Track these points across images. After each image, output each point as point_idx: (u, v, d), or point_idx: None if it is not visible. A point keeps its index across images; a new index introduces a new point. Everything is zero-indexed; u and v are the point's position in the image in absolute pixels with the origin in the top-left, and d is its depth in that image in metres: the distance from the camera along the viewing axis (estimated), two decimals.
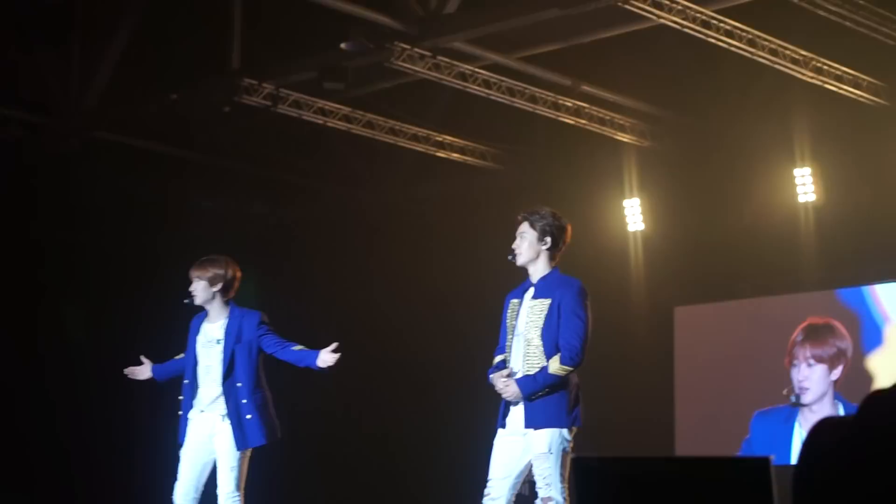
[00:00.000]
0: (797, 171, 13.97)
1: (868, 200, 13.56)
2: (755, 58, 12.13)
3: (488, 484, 7.21)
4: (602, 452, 3.81)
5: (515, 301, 7.31)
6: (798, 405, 13.91)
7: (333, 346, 7.70)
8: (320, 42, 12.71)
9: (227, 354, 7.84)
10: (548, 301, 7.11)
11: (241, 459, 7.73)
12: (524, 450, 7.12)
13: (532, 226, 7.25)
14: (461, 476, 8.88)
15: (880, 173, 13.52)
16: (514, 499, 7.23)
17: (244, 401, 7.75)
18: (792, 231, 14.02)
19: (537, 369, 7.05)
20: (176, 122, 14.33)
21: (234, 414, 7.73)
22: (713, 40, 11.77)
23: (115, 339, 15.69)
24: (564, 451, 7.03)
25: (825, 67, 12.67)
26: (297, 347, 7.83)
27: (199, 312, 8.15)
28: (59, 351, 15.44)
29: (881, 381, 13.50)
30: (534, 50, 12.94)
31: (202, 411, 7.85)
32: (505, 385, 7.07)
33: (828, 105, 13.33)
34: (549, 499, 7.00)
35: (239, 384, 7.76)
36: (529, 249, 7.25)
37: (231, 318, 7.93)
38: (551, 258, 7.26)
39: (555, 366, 6.97)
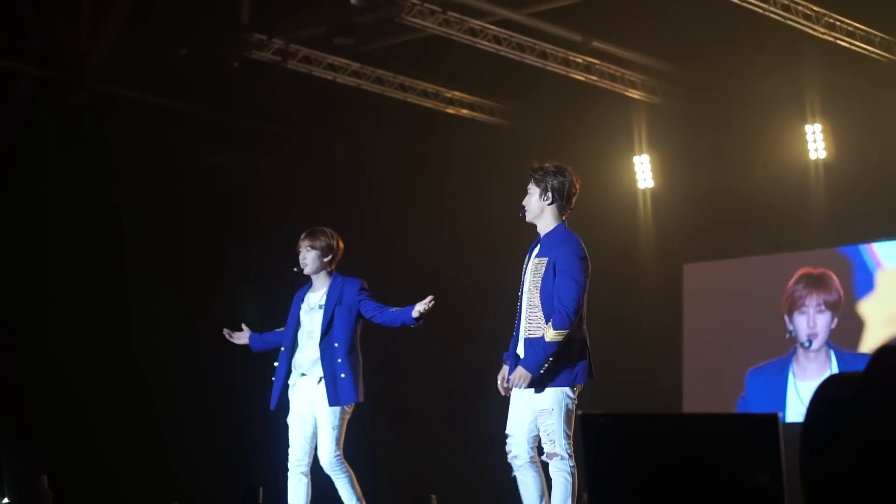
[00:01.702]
0: (808, 128, 13.93)
1: (879, 157, 13.52)
2: (767, 13, 12.07)
3: (507, 441, 7.23)
4: (610, 408, 3.81)
5: (527, 258, 7.32)
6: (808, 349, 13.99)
7: (428, 298, 7.82)
8: None
9: (326, 316, 8.06)
10: (546, 259, 7.10)
11: (340, 420, 7.94)
12: (532, 406, 7.13)
13: (537, 183, 7.24)
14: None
15: (892, 130, 13.47)
16: (534, 452, 7.21)
17: (339, 360, 7.98)
18: (802, 188, 13.99)
19: (536, 328, 7.06)
20: (185, 77, 14.31)
21: (330, 372, 7.97)
22: None
23: (129, 293, 15.77)
24: (567, 408, 7.03)
25: (838, 23, 12.60)
26: (393, 309, 8.02)
27: (304, 285, 8.30)
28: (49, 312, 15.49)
29: (872, 327, 13.60)
30: (544, 5, 12.89)
31: (303, 374, 8.03)
32: (513, 381, 7.04)
33: (840, 61, 13.26)
34: (554, 454, 7.01)
35: (336, 344, 7.99)
36: (535, 206, 7.24)
37: (333, 284, 8.16)
38: (557, 214, 7.22)
39: (550, 334, 6.95)
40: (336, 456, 7.90)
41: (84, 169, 15.38)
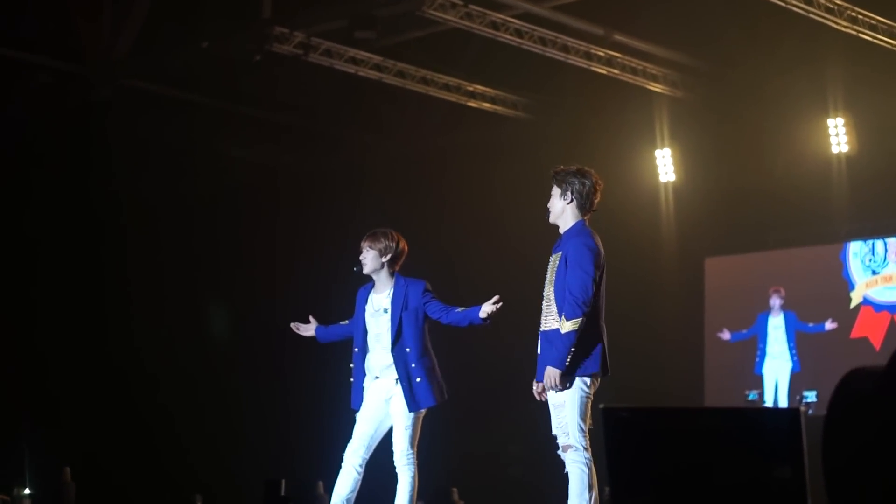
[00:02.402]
0: (830, 122, 13.89)
1: None
2: (789, 6, 12.04)
3: (556, 441, 7.25)
4: (632, 402, 3.81)
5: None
6: None
7: (495, 297, 7.87)
8: None
9: (395, 322, 8.13)
10: (560, 254, 7.19)
11: (414, 420, 8.05)
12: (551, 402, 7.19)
13: (558, 184, 7.33)
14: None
15: None
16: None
17: (413, 365, 8.07)
18: (824, 182, 13.95)
19: (551, 321, 7.12)
20: (206, 71, 14.33)
21: (405, 378, 8.05)
22: None
23: (148, 286, 15.82)
24: (581, 401, 7.05)
25: (860, 16, 12.56)
26: (459, 309, 8.12)
27: (366, 283, 8.35)
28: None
29: None
30: None
31: (377, 377, 8.09)
32: (546, 385, 7.07)
33: (862, 55, 13.21)
34: (569, 446, 7.04)
35: (408, 349, 8.09)
36: (557, 207, 7.33)
37: (397, 287, 8.20)
38: (577, 213, 7.28)
39: (565, 326, 7.01)
40: (408, 454, 7.97)
41: (105, 162, 15.42)
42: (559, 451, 7.12)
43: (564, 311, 7.00)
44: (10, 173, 14.98)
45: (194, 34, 13.66)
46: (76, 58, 14.11)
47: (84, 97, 14.46)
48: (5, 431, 14.49)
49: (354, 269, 8.24)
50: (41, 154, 15.09)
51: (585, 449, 7.03)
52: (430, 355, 8.16)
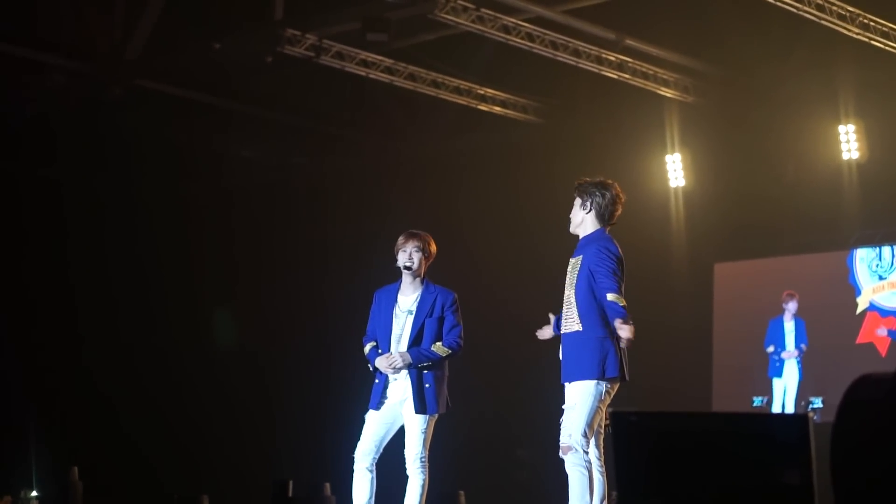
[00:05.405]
0: (841, 128, 13.87)
1: None
2: (801, 13, 12.03)
3: None
4: (641, 406, 3.82)
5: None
6: None
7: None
8: None
9: (416, 326, 8.14)
10: (580, 257, 7.26)
11: (429, 423, 8.06)
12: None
13: (580, 195, 7.46)
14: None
15: None
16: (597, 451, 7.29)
17: (425, 371, 8.09)
18: (835, 188, 13.94)
19: (572, 324, 7.23)
20: (218, 72, 14.36)
21: (416, 381, 8.05)
22: None
23: (156, 285, 15.84)
24: (592, 405, 7.12)
25: (872, 24, 12.55)
26: (440, 347, 8.06)
27: (388, 285, 8.33)
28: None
29: None
30: (578, 3, 12.86)
31: (396, 378, 8.08)
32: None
33: (874, 61, 13.20)
34: (569, 448, 7.11)
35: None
36: (577, 217, 7.46)
37: (426, 292, 8.22)
38: (597, 222, 7.35)
39: (612, 296, 7.09)
40: (421, 458, 7.96)
41: (117, 162, 15.46)
42: (560, 453, 7.15)
43: (606, 307, 7.06)
44: (22, 171, 15.02)
45: (206, 35, 13.68)
46: (89, 57, 14.14)
47: (96, 97, 14.49)
48: (12, 433, 14.52)
49: (403, 266, 8.17)
50: (53, 153, 15.12)
51: (586, 452, 7.06)
52: (443, 365, 8.13)
